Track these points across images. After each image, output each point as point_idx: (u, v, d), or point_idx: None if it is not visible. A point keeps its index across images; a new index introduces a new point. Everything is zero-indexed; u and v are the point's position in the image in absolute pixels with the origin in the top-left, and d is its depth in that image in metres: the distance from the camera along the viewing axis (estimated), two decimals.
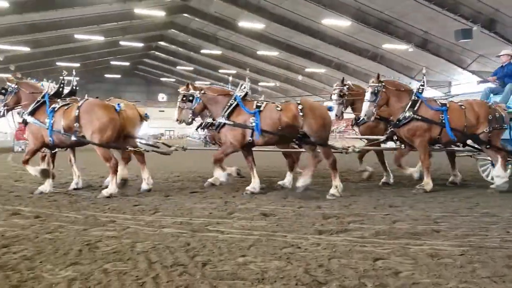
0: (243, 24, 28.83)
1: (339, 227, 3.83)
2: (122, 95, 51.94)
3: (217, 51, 37.74)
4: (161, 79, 56.03)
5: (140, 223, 3.98)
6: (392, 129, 6.53)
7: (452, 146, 6.76)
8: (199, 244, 3.21)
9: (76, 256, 2.88)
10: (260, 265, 2.72)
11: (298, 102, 6.21)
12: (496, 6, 22.41)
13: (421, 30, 27.18)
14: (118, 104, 5.95)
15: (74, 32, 28.34)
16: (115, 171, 5.66)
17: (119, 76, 47.64)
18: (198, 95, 6.27)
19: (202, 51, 38.04)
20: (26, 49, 29.77)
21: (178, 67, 48.42)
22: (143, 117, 6.65)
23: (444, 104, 6.35)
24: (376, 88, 6.19)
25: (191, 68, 47.75)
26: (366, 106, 6.17)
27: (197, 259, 2.83)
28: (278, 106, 6.08)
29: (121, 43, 34.29)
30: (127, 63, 45.17)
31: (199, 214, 4.39)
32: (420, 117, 6.14)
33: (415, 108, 6.17)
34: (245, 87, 6.46)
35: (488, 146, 6.25)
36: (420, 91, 6.55)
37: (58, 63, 36.80)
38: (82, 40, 30.80)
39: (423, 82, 6.93)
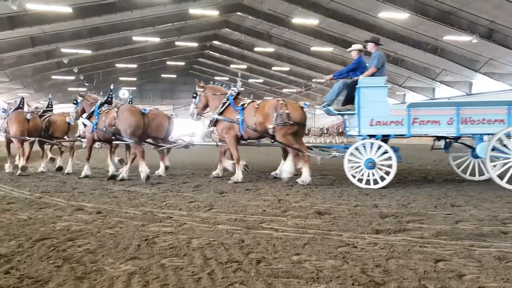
0: (297, 20, 28.66)
1: (397, 226, 3.70)
2: (177, 95, 54.23)
3: (270, 49, 37.85)
4: (215, 77, 57.40)
5: (195, 219, 4.10)
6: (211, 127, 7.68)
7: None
8: (253, 241, 3.25)
9: (135, 251, 3.00)
10: (315, 263, 2.71)
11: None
12: None
13: (487, 20, 25.32)
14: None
15: (132, 34, 29.84)
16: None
17: (174, 76, 49.44)
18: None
19: (256, 49, 38.36)
20: (88, 52, 31.67)
21: (231, 66, 49.26)
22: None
23: (242, 105, 7.16)
24: (197, 93, 7.58)
25: (245, 66, 48.37)
26: (191, 108, 7.61)
27: (252, 256, 2.86)
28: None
29: (177, 43, 35.54)
30: (182, 63, 46.78)
31: (253, 212, 4.45)
32: (222, 117, 7.16)
33: (222, 109, 7.20)
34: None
35: (272, 141, 7.05)
36: (232, 94, 7.34)
37: (117, 65, 39.06)
38: (139, 42, 32.33)
39: (238, 85, 7.67)
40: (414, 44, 30.67)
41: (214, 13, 28.04)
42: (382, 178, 6.24)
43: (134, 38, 30.56)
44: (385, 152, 6.25)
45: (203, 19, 31.15)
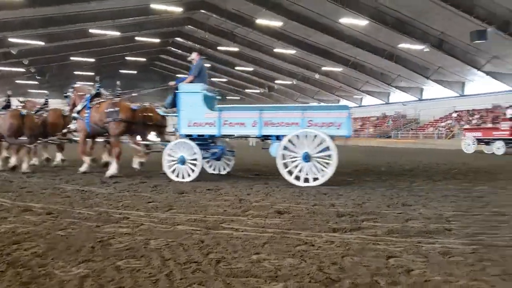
0: (261, 21, 28.84)
1: (353, 225, 3.85)
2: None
3: (234, 48, 37.83)
4: (178, 75, 56.49)
5: (154, 220, 4.03)
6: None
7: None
8: (213, 241, 3.25)
9: (88, 253, 2.90)
10: (274, 262, 2.76)
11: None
12: (511, 7, 22.06)
13: (437, 31, 26.85)
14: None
15: (89, 26, 28.67)
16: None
17: (134, 72, 48.12)
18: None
19: (219, 47, 38.19)
20: (40, 43, 30.08)
21: None
22: None
23: (93, 104, 7.96)
24: (67, 93, 8.56)
25: (208, 65, 47.98)
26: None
27: (211, 256, 2.86)
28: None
29: (137, 38, 34.60)
30: (143, 59, 45.65)
31: (214, 212, 4.45)
32: (78, 116, 8.03)
33: (79, 109, 8.05)
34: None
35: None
36: (91, 95, 8.15)
37: (73, 58, 37.38)
38: (97, 35, 31.13)
39: (97, 87, 8.41)
40: (372, 50, 31.87)
41: (177, 9, 27.61)
42: (191, 171, 7.10)
43: (91, 31, 29.40)
44: (195, 153, 7.06)
45: (166, 15, 30.61)
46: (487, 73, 30.33)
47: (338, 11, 25.24)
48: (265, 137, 7.39)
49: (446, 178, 8.29)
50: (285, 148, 6.74)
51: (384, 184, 7.07)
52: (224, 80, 55.05)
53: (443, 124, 35.61)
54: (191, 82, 7.48)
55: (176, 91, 7.35)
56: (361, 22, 26.07)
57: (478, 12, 22.54)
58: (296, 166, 6.71)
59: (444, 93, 36.72)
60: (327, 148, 6.64)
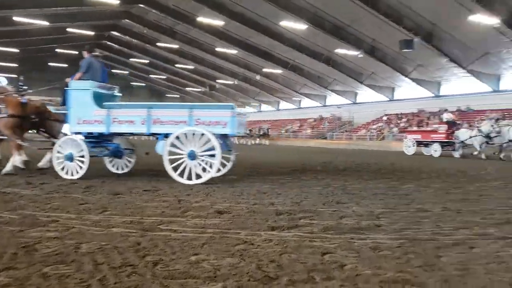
0: (202, 19, 28.56)
1: (291, 223, 3.95)
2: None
3: (174, 45, 37.06)
4: (113, 71, 54.02)
5: (86, 222, 3.80)
6: None
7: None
8: (150, 243, 3.15)
9: (10, 260, 2.67)
10: (213, 262, 2.74)
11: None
12: (434, 21, 24.19)
13: (370, 38, 28.56)
14: None
15: (12, 14, 26.38)
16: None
17: (65, 65, 45.16)
18: None
19: (159, 44, 37.17)
20: None
21: (132, 59, 46.97)
22: None
23: None
24: None
25: (146, 61, 46.56)
26: None
27: (148, 259, 2.77)
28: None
29: (69, 30, 32.52)
30: (75, 52, 42.97)
31: (151, 213, 4.32)
32: None
33: None
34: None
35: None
36: None
37: None
38: (23, 24, 28.73)
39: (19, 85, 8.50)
40: (310, 54, 33.01)
41: (114, 2, 26.36)
42: (79, 168, 7.02)
43: (16, 18, 27.06)
44: (82, 150, 7.05)
45: (101, 7, 29.13)
46: (413, 80, 32.86)
47: (279, 14, 25.82)
48: (154, 135, 7.36)
49: (377, 177, 8.83)
50: (173, 145, 6.78)
51: (320, 183, 7.35)
52: (164, 77, 53.74)
53: (374, 126, 37.86)
54: (79, 79, 7.32)
55: (66, 88, 7.24)
56: (301, 26, 26.90)
57: (406, 23, 24.34)
58: (181, 164, 6.74)
59: (376, 97, 39.13)
60: (213, 148, 6.69)
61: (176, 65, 45.48)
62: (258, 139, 38.07)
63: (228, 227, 3.75)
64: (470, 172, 10.78)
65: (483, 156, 17.75)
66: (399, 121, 35.91)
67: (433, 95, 34.30)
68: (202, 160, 6.74)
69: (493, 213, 4.78)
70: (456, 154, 19.18)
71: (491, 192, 6.76)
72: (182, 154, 6.76)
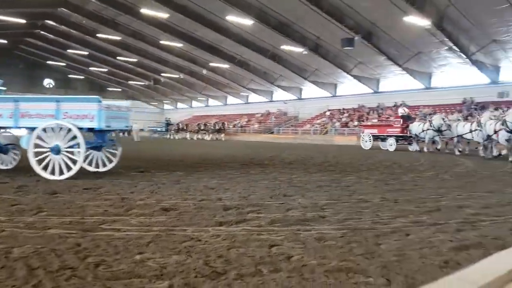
0: (146, 11, 27.59)
1: (238, 217, 3.97)
2: None
3: (116, 37, 35.47)
4: (48, 62, 50.66)
5: (18, 225, 3.53)
6: None
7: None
8: (91, 244, 3.01)
9: None
10: (159, 261, 2.68)
11: None
12: (373, 20, 25.44)
13: (314, 35, 29.36)
14: None
15: None
16: None
17: None
18: None
19: (99, 35, 35.38)
20: None
21: (69, 50, 44.30)
22: None
23: None
24: None
25: (86, 53, 44.13)
26: None
27: (89, 261, 2.64)
28: None
29: None
30: (3, 41, 39.67)
31: (92, 212, 4.12)
32: None
33: None
34: None
35: None
36: None
37: None
38: None
39: None
40: (256, 49, 33.23)
41: None
42: None
43: None
44: None
45: None
46: (354, 77, 34.33)
47: (225, 9, 25.67)
48: (27, 129, 7.14)
49: (321, 170, 9.13)
50: (39, 139, 6.65)
51: (267, 177, 7.46)
52: (105, 70, 51.33)
53: (318, 121, 39.07)
54: None
55: None
56: (247, 22, 26.96)
57: (347, 22, 25.32)
58: (45, 158, 6.62)
59: (319, 93, 40.38)
60: (77, 144, 6.62)
61: (118, 58, 43.63)
62: (212, 134, 37.27)
63: (175, 224, 3.68)
64: (405, 164, 11.50)
65: (428, 148, 17.76)
66: (341, 116, 37.38)
67: (372, 91, 36.09)
68: (66, 155, 6.58)
69: (425, 201, 5.15)
70: (411, 148, 19.15)
71: (424, 182, 7.27)
72: (46, 148, 6.60)
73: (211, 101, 57.93)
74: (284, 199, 5.12)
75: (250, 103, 51.08)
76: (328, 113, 39.40)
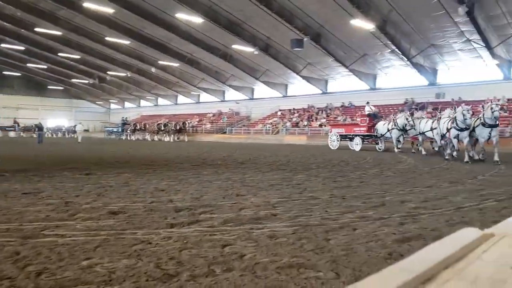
0: (89, 5, 26.34)
1: (191, 218, 3.93)
2: None
3: (57, 32, 33.52)
4: None
5: None
6: None
7: None
8: (32, 252, 2.82)
9: None
10: (108, 266, 2.59)
11: None
12: (321, 22, 26.25)
13: (265, 35, 29.70)
14: None
15: None
16: None
17: None
18: None
19: (37, 29, 33.24)
20: None
21: (3, 45, 41.21)
22: None
23: None
24: None
25: (22, 48, 41.29)
26: None
27: (30, 269, 2.48)
28: None
29: None
30: None
31: (33, 218, 3.87)
32: None
33: None
34: None
35: None
36: None
37: None
38: None
39: None
40: (207, 48, 32.96)
41: None
42: None
43: None
44: None
45: None
46: (304, 78, 35.16)
47: (174, 6, 25.20)
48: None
49: (273, 169, 9.26)
50: None
51: (220, 177, 7.44)
52: (44, 66, 48.37)
53: (270, 121, 39.57)
54: None
55: None
56: (197, 20, 26.65)
57: (297, 23, 25.87)
58: None
59: (271, 93, 40.90)
60: None
61: (60, 54, 41.28)
62: (173, 135, 34.35)
63: (124, 228, 3.57)
64: (353, 162, 11.99)
65: (397, 148, 17.10)
66: (292, 116, 38.14)
67: (321, 91, 37.19)
68: None
69: (371, 197, 5.40)
70: (378, 148, 18.67)
71: (370, 179, 7.62)
72: None
73: (161, 101, 56.64)
74: (237, 198, 5.13)
75: (201, 102, 50.60)
76: (279, 113, 40.02)
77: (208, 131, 42.41)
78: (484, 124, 11.34)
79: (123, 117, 46.45)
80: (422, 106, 28.09)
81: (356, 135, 19.33)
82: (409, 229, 3.64)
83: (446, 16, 21.83)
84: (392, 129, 17.15)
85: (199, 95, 50.32)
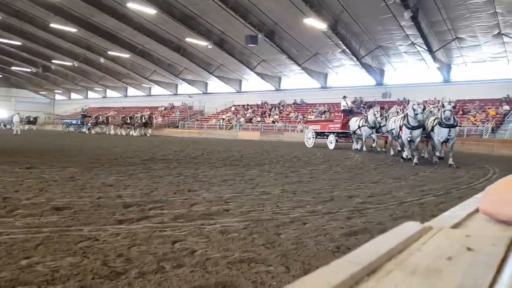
0: None
1: (140, 214, 3.83)
2: None
3: None
4: None
5: None
6: None
7: None
8: None
9: None
10: (50, 264, 2.46)
11: None
12: (275, 20, 26.56)
13: (219, 30, 29.50)
14: None
15: None
16: None
17: None
18: None
19: None
20: None
21: None
22: None
23: None
24: None
25: None
26: None
27: None
28: None
29: None
30: None
31: None
32: None
33: None
34: None
35: None
36: None
37: None
38: None
39: None
40: (160, 40, 32.13)
41: None
42: None
43: None
44: None
45: None
46: (258, 74, 35.37)
47: None
48: None
49: (226, 164, 9.25)
50: None
51: (171, 172, 7.30)
52: None
53: (224, 116, 39.43)
54: None
55: None
56: (150, 11, 25.87)
57: (251, 19, 25.92)
58: None
59: (225, 88, 40.73)
60: None
61: None
62: (139, 129, 31.93)
63: (69, 224, 3.40)
64: (304, 158, 12.27)
65: (365, 147, 16.18)
66: (245, 112, 38.26)
67: (274, 88, 37.63)
68: None
69: (320, 192, 5.57)
70: (354, 146, 17.24)
71: (319, 174, 7.86)
72: None
73: (110, 92, 54.41)
74: (189, 194, 5.08)
75: (153, 95, 49.26)
76: (233, 108, 39.98)
77: (160, 124, 41.43)
78: (441, 124, 10.30)
79: (82, 108, 42.74)
80: (370, 105, 29.30)
81: (330, 132, 18.28)
82: (356, 223, 3.80)
83: (393, 19, 22.90)
84: (363, 126, 16.03)
85: (150, 87, 48.96)
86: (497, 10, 20.31)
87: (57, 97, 62.21)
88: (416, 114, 10.59)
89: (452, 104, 10.16)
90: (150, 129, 33.26)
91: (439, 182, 7.17)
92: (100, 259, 2.58)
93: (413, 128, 10.81)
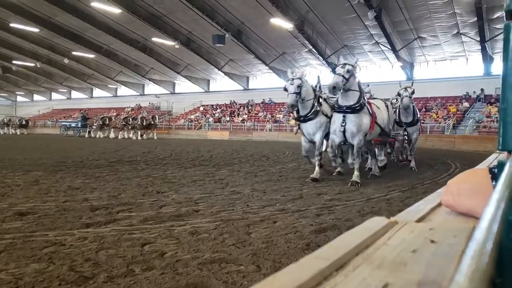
0: None
1: (108, 217, 3.74)
2: None
3: None
4: None
5: None
6: None
7: None
8: None
9: None
10: (14, 272, 2.36)
11: None
12: (242, 19, 26.61)
13: (186, 30, 29.20)
14: None
15: None
16: None
17: None
18: None
19: None
20: None
21: None
22: None
23: None
24: None
25: None
26: None
27: None
28: None
29: None
30: None
31: None
32: None
33: None
34: None
35: None
36: None
37: None
38: None
39: None
40: (125, 40, 31.39)
41: None
42: None
43: None
44: None
45: None
46: (226, 74, 35.27)
47: None
48: None
49: (195, 165, 9.17)
50: None
51: (140, 174, 7.16)
52: None
53: (192, 116, 39.03)
54: None
55: None
56: (114, 10, 25.23)
57: (218, 19, 25.81)
58: None
59: (193, 88, 40.33)
60: None
61: None
62: (141, 131, 27.50)
63: (33, 230, 3.28)
64: (273, 156, 12.36)
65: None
66: (214, 112, 38.04)
67: (242, 88, 37.63)
68: None
69: (290, 190, 5.63)
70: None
71: (288, 173, 7.94)
72: None
73: (75, 93, 52.59)
74: (158, 196, 5.00)
75: (119, 96, 48.04)
76: (201, 108, 39.65)
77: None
78: (398, 122, 9.13)
79: (81, 111, 38.61)
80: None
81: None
82: (325, 220, 3.87)
83: (358, 19, 23.45)
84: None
85: (116, 88, 47.73)
86: (456, 11, 21.25)
87: (19, 98, 59.50)
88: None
89: (410, 90, 8.98)
90: (154, 133, 28.70)
91: (404, 178, 7.42)
92: (67, 264, 2.50)
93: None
